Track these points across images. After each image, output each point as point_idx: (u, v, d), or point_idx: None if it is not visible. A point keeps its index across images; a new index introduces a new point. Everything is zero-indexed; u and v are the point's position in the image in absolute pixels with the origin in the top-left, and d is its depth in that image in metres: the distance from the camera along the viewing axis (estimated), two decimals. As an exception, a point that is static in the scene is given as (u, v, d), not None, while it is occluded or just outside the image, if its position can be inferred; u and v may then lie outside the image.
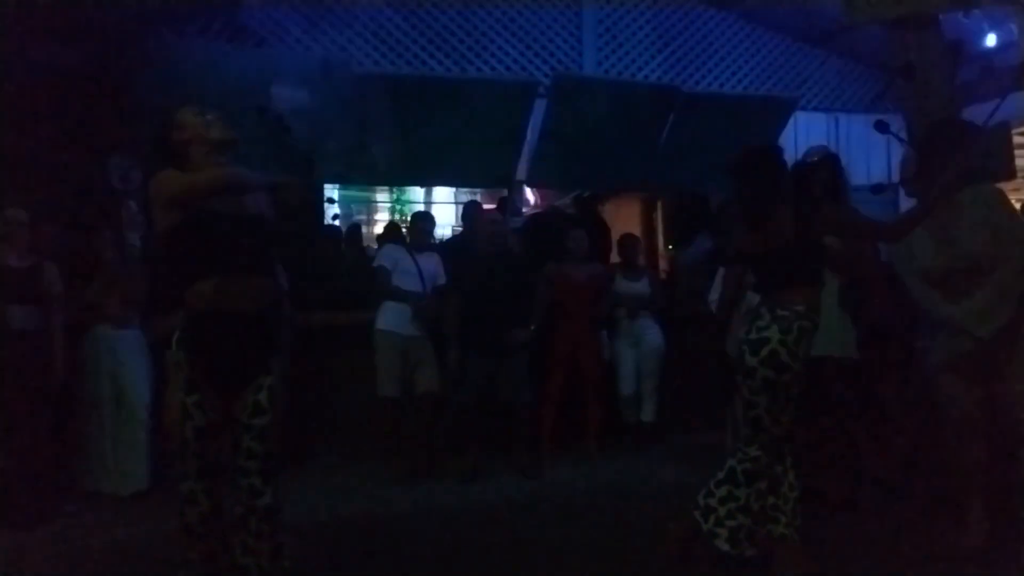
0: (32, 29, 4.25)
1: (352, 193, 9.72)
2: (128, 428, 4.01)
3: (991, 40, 5.87)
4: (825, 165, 3.44)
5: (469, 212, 5.48)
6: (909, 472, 3.66)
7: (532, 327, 4.43)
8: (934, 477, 3.33)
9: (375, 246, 5.92)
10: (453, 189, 8.84)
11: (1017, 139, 7.03)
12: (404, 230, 5.68)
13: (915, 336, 3.61)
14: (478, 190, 8.18)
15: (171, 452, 2.56)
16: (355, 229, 6.80)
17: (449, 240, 6.43)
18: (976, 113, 4.90)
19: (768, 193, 2.76)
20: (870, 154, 7.04)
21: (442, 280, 4.54)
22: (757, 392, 2.64)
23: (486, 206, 6.08)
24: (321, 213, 7.84)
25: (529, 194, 8.02)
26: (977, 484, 2.91)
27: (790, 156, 6.78)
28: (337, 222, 6.47)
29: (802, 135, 6.62)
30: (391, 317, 4.36)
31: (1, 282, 3.59)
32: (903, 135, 4.16)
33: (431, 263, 4.54)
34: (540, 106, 5.48)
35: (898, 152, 6.96)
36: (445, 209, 8.86)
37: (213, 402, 2.36)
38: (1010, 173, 3.48)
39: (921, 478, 3.53)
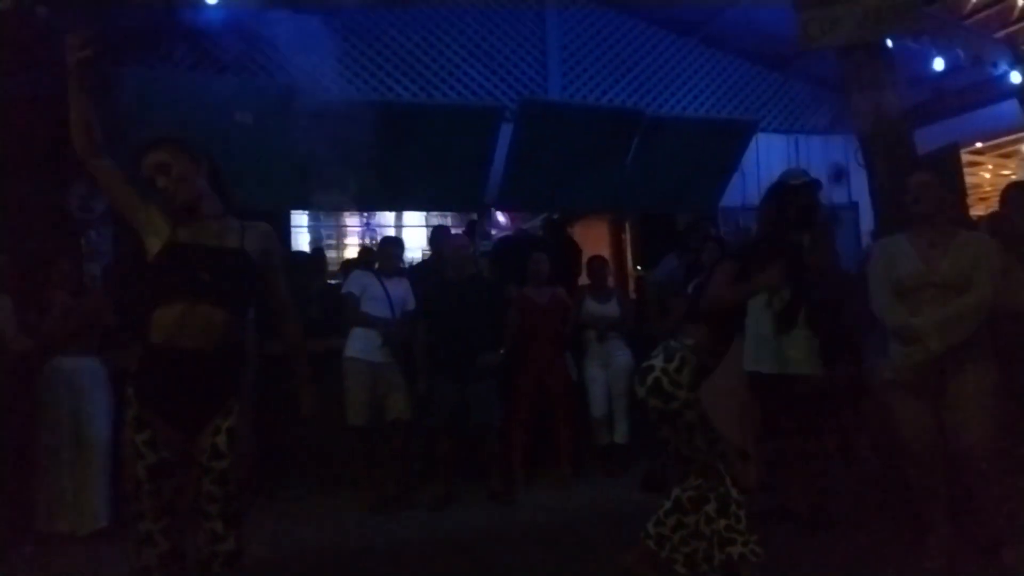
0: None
1: (320, 219, 9.68)
2: (87, 464, 3.88)
3: (939, 64, 6.11)
4: (806, 190, 3.44)
5: (437, 236, 5.49)
6: (872, 490, 3.72)
7: (501, 351, 4.41)
8: (896, 496, 3.38)
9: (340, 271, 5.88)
10: (424, 213, 8.84)
11: (969, 157, 7.32)
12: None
13: (862, 356, 3.70)
14: (448, 214, 8.20)
15: (128, 490, 2.45)
16: (319, 254, 6.74)
17: (418, 264, 6.41)
18: (927, 134, 5.09)
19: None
20: (828, 175, 7.24)
21: (411, 305, 4.51)
22: (659, 425, 2.71)
23: (456, 230, 6.09)
24: (288, 239, 7.79)
25: (500, 217, 8.05)
26: (938, 504, 2.96)
27: (751, 178, 6.99)
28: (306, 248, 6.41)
29: (763, 156, 6.78)
30: (360, 344, 4.31)
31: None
32: (859, 157, 4.29)
33: (400, 288, 4.51)
34: (507, 130, 5.53)
35: (857, 173, 7.19)
36: (416, 233, 8.84)
37: (168, 440, 2.24)
38: (960, 191, 3.58)
39: (884, 496, 3.58)
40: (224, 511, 2.27)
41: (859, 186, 7.16)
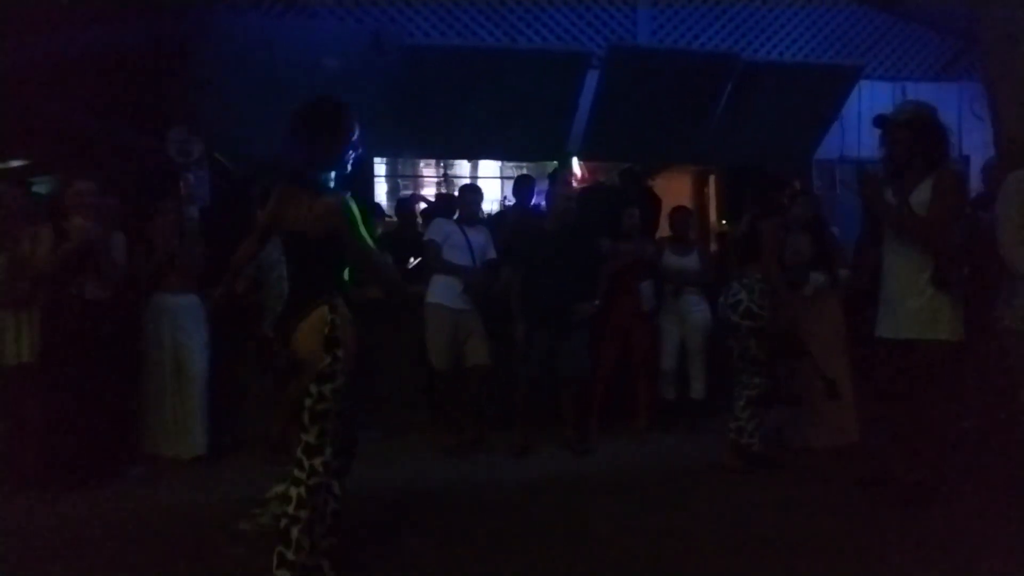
0: (91, 7, 4.34)
1: (397, 168, 9.77)
2: (187, 395, 4.15)
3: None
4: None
5: (521, 185, 5.42)
6: (985, 456, 3.51)
7: (596, 302, 4.39)
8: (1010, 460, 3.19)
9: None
10: (499, 163, 8.79)
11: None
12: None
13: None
14: (525, 164, 8.12)
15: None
16: (405, 203, 6.82)
17: (498, 213, 6.40)
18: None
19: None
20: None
21: (492, 254, 4.52)
22: (748, 342, 3.72)
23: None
24: (372, 189, 7.92)
25: (577, 169, 7.91)
26: None
27: (851, 129, 6.55)
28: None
29: (865, 105, 6.33)
30: (441, 291, 4.37)
31: (75, 252, 3.69)
32: (978, 108, 3.95)
33: (480, 236, 4.52)
34: (592, 77, 5.36)
35: (971, 125, 6.64)
36: (492, 184, 8.81)
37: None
38: None
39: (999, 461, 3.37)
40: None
41: (972, 139, 6.63)
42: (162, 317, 4.14)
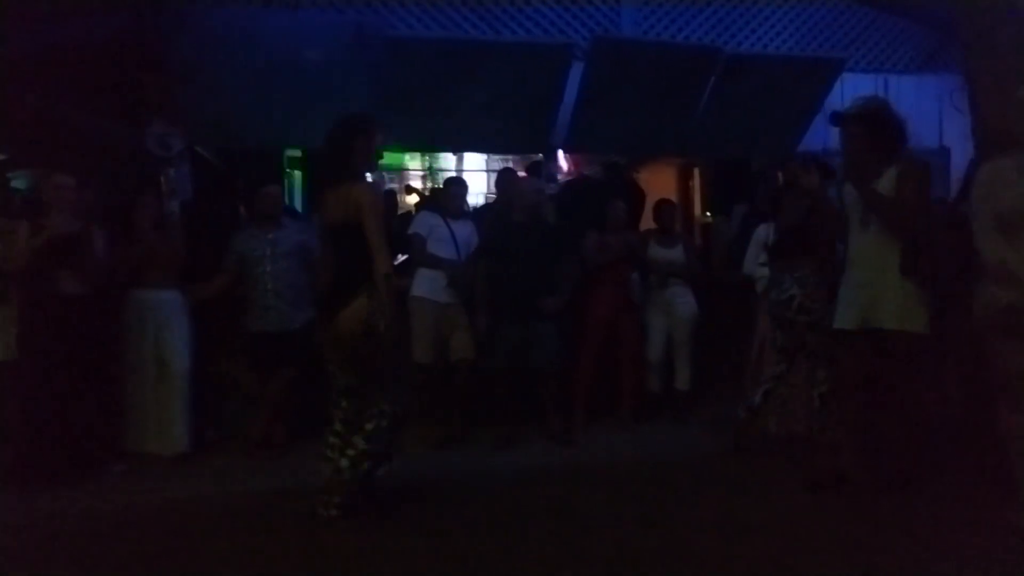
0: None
1: (384, 160, 9.72)
2: (169, 390, 4.11)
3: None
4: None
5: (504, 179, 5.42)
6: (960, 444, 3.56)
7: (564, 298, 4.39)
8: (985, 449, 3.23)
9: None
10: (485, 156, 8.76)
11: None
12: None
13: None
14: (510, 157, 8.09)
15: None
16: (389, 196, 6.79)
17: (483, 207, 6.38)
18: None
19: None
20: (920, 117, 6.76)
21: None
22: (807, 335, 3.65)
23: (520, 173, 6.00)
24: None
25: (562, 161, 7.90)
26: None
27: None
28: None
29: (849, 97, 6.35)
30: (426, 284, 4.36)
31: (52, 247, 3.65)
32: (958, 100, 3.98)
33: (465, 230, 4.51)
34: (577, 70, 5.34)
35: (951, 117, 6.68)
36: (477, 177, 8.79)
37: None
38: None
39: (973, 450, 3.42)
40: None
41: (952, 131, 6.68)
42: (144, 313, 4.10)
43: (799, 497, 3.27)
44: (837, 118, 3.20)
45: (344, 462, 2.99)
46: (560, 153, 7.06)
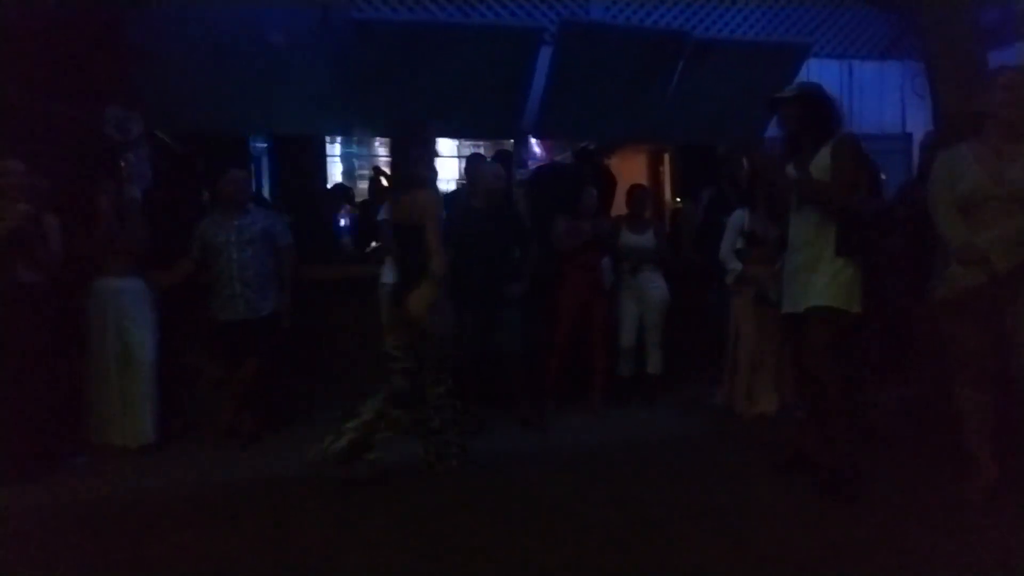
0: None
1: (353, 148, 9.60)
2: (133, 381, 4.03)
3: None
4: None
5: (471, 165, 5.38)
6: (915, 421, 3.65)
7: (525, 283, 4.39)
8: (940, 425, 3.32)
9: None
10: (457, 142, 8.69)
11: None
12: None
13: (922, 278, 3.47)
14: (481, 143, 8.04)
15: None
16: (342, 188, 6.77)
17: (451, 193, 6.34)
18: (1000, 58, 4.74)
19: None
20: (883, 103, 6.88)
21: (446, 233, 4.48)
22: None
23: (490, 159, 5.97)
24: (324, 169, 7.74)
25: (535, 147, 7.88)
26: (982, 431, 2.90)
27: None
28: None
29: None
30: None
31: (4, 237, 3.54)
32: (919, 86, 4.04)
33: (436, 216, 4.47)
34: (546, 55, 5.31)
35: (914, 103, 6.81)
36: (448, 163, 8.73)
37: None
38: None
39: (928, 427, 3.52)
40: None
41: (914, 116, 6.80)
42: (106, 302, 4.01)
43: (769, 478, 3.32)
44: (772, 102, 3.23)
45: (435, 423, 3.47)
46: (532, 139, 7.04)
